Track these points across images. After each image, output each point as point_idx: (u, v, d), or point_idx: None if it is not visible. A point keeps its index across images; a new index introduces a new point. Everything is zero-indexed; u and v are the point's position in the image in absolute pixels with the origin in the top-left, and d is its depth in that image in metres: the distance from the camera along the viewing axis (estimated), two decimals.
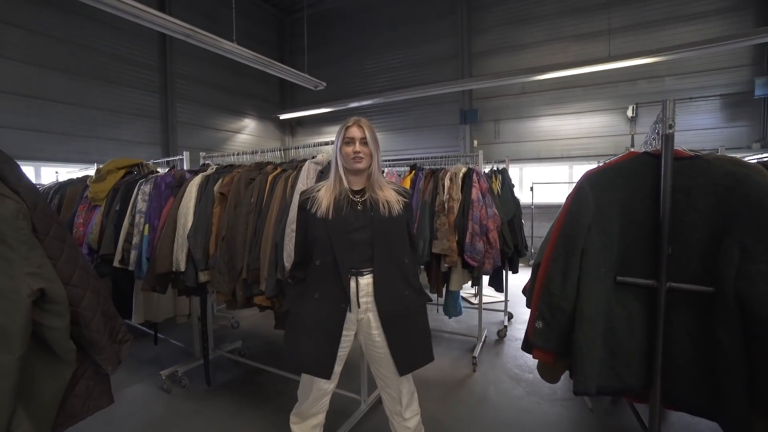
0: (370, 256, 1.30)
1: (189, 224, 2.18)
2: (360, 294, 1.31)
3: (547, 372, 1.22)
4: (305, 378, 1.42)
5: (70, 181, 3.62)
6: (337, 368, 1.36)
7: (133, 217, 2.51)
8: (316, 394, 1.40)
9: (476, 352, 2.82)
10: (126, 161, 3.12)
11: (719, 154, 1.06)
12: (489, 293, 4.15)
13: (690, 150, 1.05)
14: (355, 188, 1.36)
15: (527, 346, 1.22)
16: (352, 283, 1.30)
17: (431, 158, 3.04)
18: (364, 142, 1.30)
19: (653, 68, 6.13)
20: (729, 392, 0.92)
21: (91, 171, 4.19)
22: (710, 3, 5.84)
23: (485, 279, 3.55)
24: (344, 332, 1.33)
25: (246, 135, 9.08)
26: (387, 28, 8.45)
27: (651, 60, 5.36)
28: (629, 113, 6.51)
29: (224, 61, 6.42)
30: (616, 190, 1.09)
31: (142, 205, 2.51)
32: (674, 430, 2.06)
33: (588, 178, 1.12)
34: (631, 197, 1.07)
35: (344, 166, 1.33)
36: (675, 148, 1.02)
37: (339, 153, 1.32)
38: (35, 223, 0.90)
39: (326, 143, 2.09)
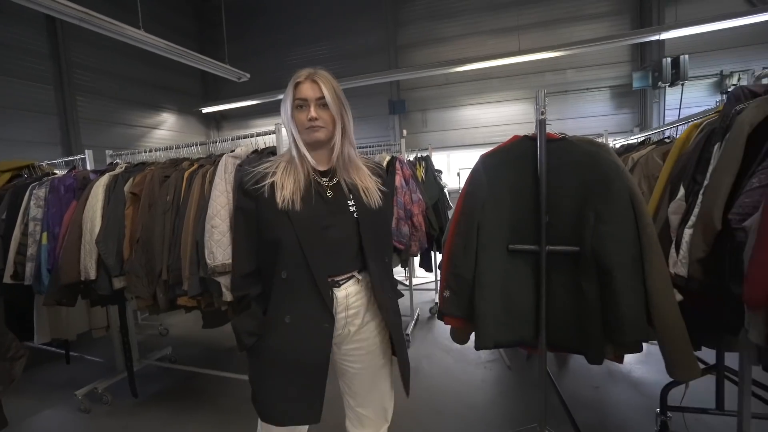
0: (349, 260, 1.00)
1: (97, 228, 1.99)
2: (339, 307, 1.00)
3: (458, 335, 1.36)
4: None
5: None
6: None
7: (25, 225, 2.23)
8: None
9: (409, 330, 2.99)
10: (11, 163, 2.74)
11: (581, 135, 1.25)
12: (420, 274, 4.37)
13: (560, 133, 1.23)
14: (321, 168, 1.01)
15: (440, 314, 1.34)
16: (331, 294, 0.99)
17: (358, 148, 3.09)
18: (322, 103, 0.94)
19: (557, 62, 6.79)
20: (590, 330, 1.13)
21: None
22: (599, 6, 6.61)
23: (417, 261, 3.74)
24: None
25: (164, 131, 8.34)
26: (312, 20, 8.26)
27: (552, 54, 5.95)
28: None
29: (134, 51, 5.77)
30: (505, 170, 1.24)
31: (36, 212, 2.24)
32: (572, 375, 2.40)
33: (482, 161, 1.26)
34: (517, 175, 1.23)
35: (302, 139, 0.97)
36: (548, 132, 1.19)
37: (291, 121, 0.97)
38: None
39: (245, 136, 2.04)
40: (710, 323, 1.37)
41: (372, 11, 7.85)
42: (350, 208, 0.98)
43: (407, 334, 2.95)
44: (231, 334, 1.14)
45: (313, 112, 0.93)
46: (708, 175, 1.24)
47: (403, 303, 3.70)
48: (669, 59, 5.91)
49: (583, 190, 1.14)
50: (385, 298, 1.01)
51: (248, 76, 6.41)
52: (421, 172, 3.42)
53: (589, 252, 1.10)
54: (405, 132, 8.08)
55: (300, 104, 0.95)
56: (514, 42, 6.91)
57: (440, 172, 3.89)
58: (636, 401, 2.08)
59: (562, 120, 7.10)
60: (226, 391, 2.36)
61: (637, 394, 2.16)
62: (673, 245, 1.33)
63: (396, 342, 1.05)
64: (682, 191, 1.31)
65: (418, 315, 3.45)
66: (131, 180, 2.09)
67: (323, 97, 0.93)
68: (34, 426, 2.19)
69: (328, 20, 8.15)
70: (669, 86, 6.13)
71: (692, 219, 1.25)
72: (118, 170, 2.24)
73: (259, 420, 1.06)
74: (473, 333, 1.32)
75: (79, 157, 2.62)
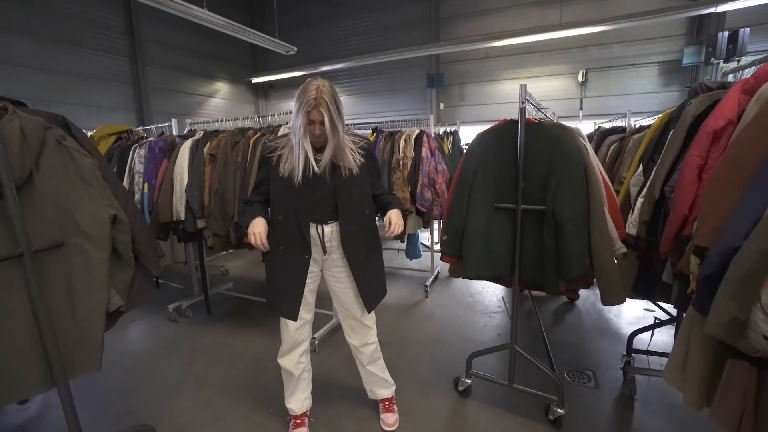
0: (332, 210, 1.45)
1: (185, 181, 2.59)
2: (325, 239, 1.49)
3: (453, 270, 1.80)
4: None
5: None
6: (311, 299, 1.58)
7: (132, 177, 2.89)
8: (298, 324, 1.56)
9: (428, 282, 3.46)
10: (115, 128, 3.42)
11: (553, 120, 1.59)
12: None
13: (538, 118, 1.57)
14: (317, 147, 1.42)
15: (441, 254, 1.78)
16: (318, 230, 1.47)
17: (390, 122, 3.48)
18: (322, 123, 1.32)
19: (602, 36, 6.58)
20: (548, 270, 1.52)
21: None
22: None
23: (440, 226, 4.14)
24: (310, 270, 1.51)
25: (219, 99, 9.08)
26: None
27: (596, 29, 5.81)
28: (580, 78, 7.03)
29: (193, 24, 6.39)
30: (494, 145, 1.61)
31: (139, 167, 2.88)
32: (565, 327, 2.78)
33: (477, 138, 1.64)
34: (503, 150, 1.60)
35: (310, 139, 1.37)
36: (528, 117, 1.55)
37: (304, 130, 1.34)
38: (102, 172, 1.34)
39: None
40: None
41: None
42: (331, 179, 1.42)
43: (426, 286, 3.43)
44: None
45: (318, 131, 1.34)
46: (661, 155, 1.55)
47: (425, 261, 4.22)
48: (725, 33, 5.59)
49: (550, 163, 1.49)
50: (351, 235, 1.47)
51: (296, 49, 6.83)
52: (447, 146, 3.76)
53: (550, 209, 1.47)
54: (442, 105, 8.28)
55: (310, 122, 1.34)
56: (556, 15, 6.76)
57: (465, 145, 4.18)
58: (613, 349, 2.44)
59: (604, 97, 6.96)
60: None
61: (618, 345, 2.51)
62: (630, 211, 1.67)
63: (353, 268, 1.49)
64: (640, 168, 1.63)
65: (438, 272, 3.91)
66: (209, 144, 2.65)
67: (324, 121, 1.32)
68: (138, 328, 2.95)
69: None
70: (724, 62, 5.82)
71: (644, 190, 1.58)
72: (197, 136, 2.80)
73: None
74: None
75: (166, 124, 3.23)
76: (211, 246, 2.71)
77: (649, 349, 2.16)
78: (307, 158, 1.38)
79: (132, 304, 1.49)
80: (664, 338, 2.42)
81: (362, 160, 1.46)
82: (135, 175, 2.86)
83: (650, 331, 2.13)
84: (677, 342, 1.22)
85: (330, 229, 1.49)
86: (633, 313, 2.93)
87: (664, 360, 2.14)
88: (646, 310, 2.95)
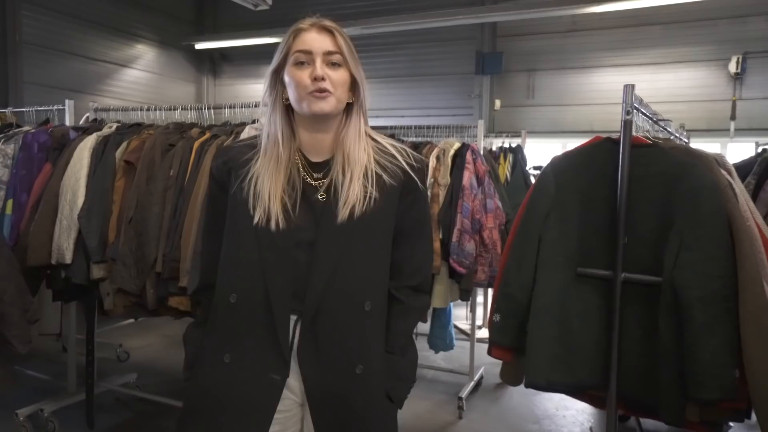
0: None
1: (79, 201, 2.70)
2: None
3: (507, 373, 1.85)
4: None
5: None
6: None
7: None
8: None
9: (464, 393, 3.46)
10: None
11: (678, 143, 1.70)
12: None
13: (653, 138, 1.69)
14: (315, 159, 1.15)
15: (489, 345, 1.84)
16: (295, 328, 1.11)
17: (415, 127, 3.64)
18: (333, 61, 1.06)
19: None
20: (665, 382, 1.55)
21: None
22: None
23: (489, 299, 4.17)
24: (284, 399, 1.12)
25: (140, 71, 9.48)
26: None
27: None
28: (732, 67, 7.18)
29: None
30: (578, 176, 1.71)
31: (2, 172, 3.02)
32: None
33: (552, 164, 1.75)
34: (591, 185, 1.70)
35: (299, 110, 1.08)
36: (636, 135, 1.67)
37: (281, 84, 1.11)
38: None
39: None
40: None
41: None
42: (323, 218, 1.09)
43: (460, 398, 3.42)
44: None
45: (319, 69, 1.01)
46: None
47: (460, 356, 4.21)
48: None
49: (669, 208, 1.59)
50: (319, 359, 1.10)
51: (270, 3, 7.20)
52: (505, 170, 3.90)
53: (668, 282, 1.54)
54: (498, 104, 8.57)
55: (301, 60, 1.04)
56: None
57: (531, 170, 4.30)
58: None
59: None
60: None
61: None
62: None
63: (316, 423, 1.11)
64: None
65: (482, 377, 3.90)
66: (125, 144, 2.79)
67: (337, 52, 1.05)
68: None
69: None
70: None
71: None
72: (107, 130, 2.97)
73: None
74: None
75: (55, 107, 3.41)
76: (110, 309, 2.79)
77: None
78: (288, 162, 1.10)
79: None
80: None
81: (389, 189, 1.13)
82: None
83: None
84: None
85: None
86: None
87: None
88: None
